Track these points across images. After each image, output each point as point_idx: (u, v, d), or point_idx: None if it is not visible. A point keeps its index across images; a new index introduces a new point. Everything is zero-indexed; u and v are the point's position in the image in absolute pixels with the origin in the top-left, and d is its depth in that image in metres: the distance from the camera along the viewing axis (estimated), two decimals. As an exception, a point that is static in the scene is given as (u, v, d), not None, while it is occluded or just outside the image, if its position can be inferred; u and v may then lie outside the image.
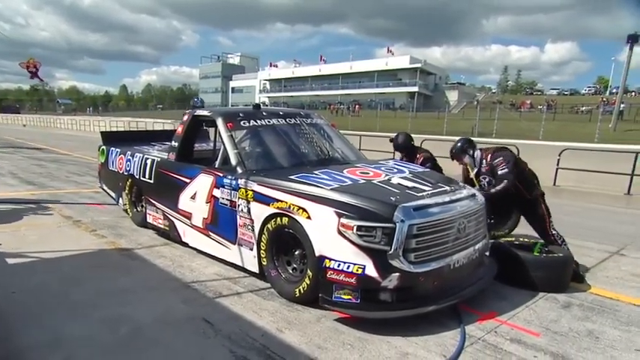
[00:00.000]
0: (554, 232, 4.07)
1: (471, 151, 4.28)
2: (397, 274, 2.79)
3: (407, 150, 5.16)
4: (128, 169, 5.41)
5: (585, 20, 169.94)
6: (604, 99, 38.16)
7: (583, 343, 2.79)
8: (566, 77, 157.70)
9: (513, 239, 4.17)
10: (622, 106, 27.74)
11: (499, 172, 4.01)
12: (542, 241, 3.89)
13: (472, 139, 4.47)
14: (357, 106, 46.31)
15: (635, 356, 2.66)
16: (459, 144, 4.34)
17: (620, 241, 5.42)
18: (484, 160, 4.22)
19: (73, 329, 2.78)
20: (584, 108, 36.58)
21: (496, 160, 4.05)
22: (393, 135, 5.34)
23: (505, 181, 3.95)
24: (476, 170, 4.29)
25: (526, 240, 4.02)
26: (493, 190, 3.99)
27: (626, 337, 2.90)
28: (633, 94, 44.78)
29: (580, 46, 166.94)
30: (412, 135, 5.41)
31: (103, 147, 6.18)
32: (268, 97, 66.47)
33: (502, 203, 4.18)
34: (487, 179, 4.20)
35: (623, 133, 22.59)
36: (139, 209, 5.43)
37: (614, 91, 40.41)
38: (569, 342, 2.79)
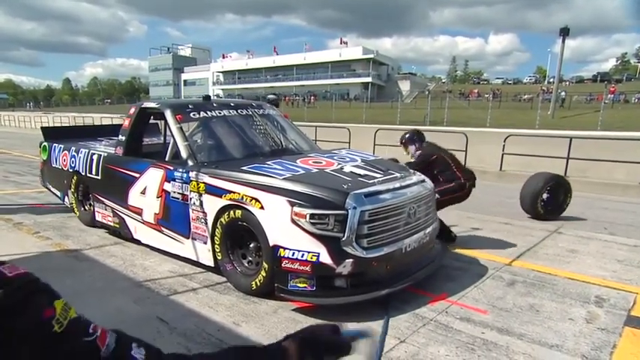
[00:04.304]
0: None
1: (417, 144, 4.77)
2: (351, 260, 2.85)
3: None
4: (73, 165, 5.15)
5: (522, 14, 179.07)
6: (543, 88, 40.33)
7: (525, 317, 2.98)
8: (509, 67, 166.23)
9: None
10: (562, 94, 29.42)
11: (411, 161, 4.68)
12: None
13: (422, 132, 4.99)
14: (312, 97, 46.33)
15: (568, 324, 2.88)
16: (407, 135, 4.89)
17: (559, 220, 5.81)
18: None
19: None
20: (525, 96, 38.51)
21: (416, 154, 4.72)
22: (348, 125, 5.45)
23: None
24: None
25: None
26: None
27: (561, 308, 3.13)
28: (567, 83, 47.65)
29: (520, 38, 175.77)
30: (367, 125, 5.49)
31: (45, 143, 5.86)
32: (222, 89, 64.92)
33: (557, 195, 5.81)
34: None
35: (560, 119, 24.10)
36: (86, 207, 5.19)
37: (552, 80, 42.82)
38: (513, 317, 2.97)
